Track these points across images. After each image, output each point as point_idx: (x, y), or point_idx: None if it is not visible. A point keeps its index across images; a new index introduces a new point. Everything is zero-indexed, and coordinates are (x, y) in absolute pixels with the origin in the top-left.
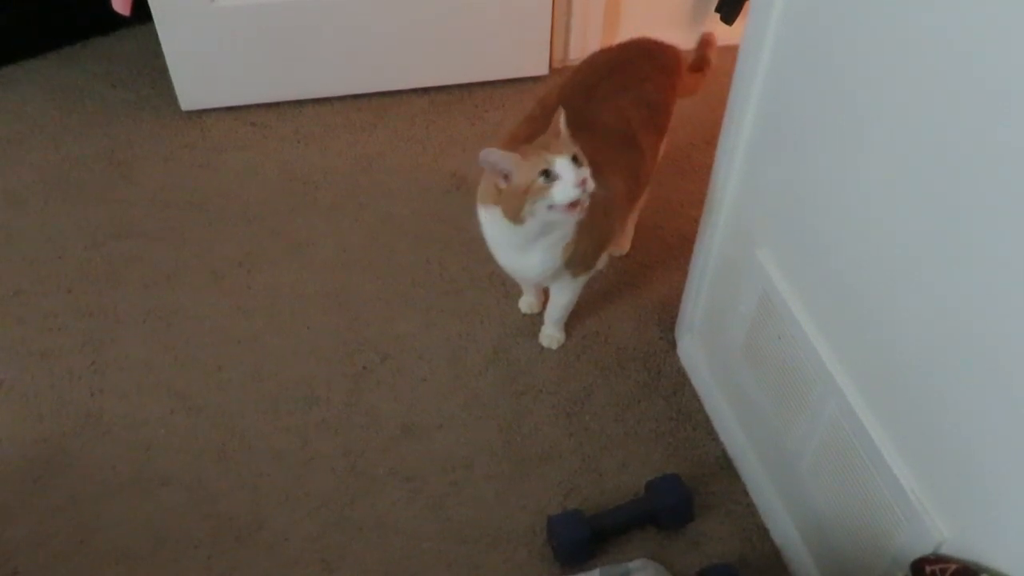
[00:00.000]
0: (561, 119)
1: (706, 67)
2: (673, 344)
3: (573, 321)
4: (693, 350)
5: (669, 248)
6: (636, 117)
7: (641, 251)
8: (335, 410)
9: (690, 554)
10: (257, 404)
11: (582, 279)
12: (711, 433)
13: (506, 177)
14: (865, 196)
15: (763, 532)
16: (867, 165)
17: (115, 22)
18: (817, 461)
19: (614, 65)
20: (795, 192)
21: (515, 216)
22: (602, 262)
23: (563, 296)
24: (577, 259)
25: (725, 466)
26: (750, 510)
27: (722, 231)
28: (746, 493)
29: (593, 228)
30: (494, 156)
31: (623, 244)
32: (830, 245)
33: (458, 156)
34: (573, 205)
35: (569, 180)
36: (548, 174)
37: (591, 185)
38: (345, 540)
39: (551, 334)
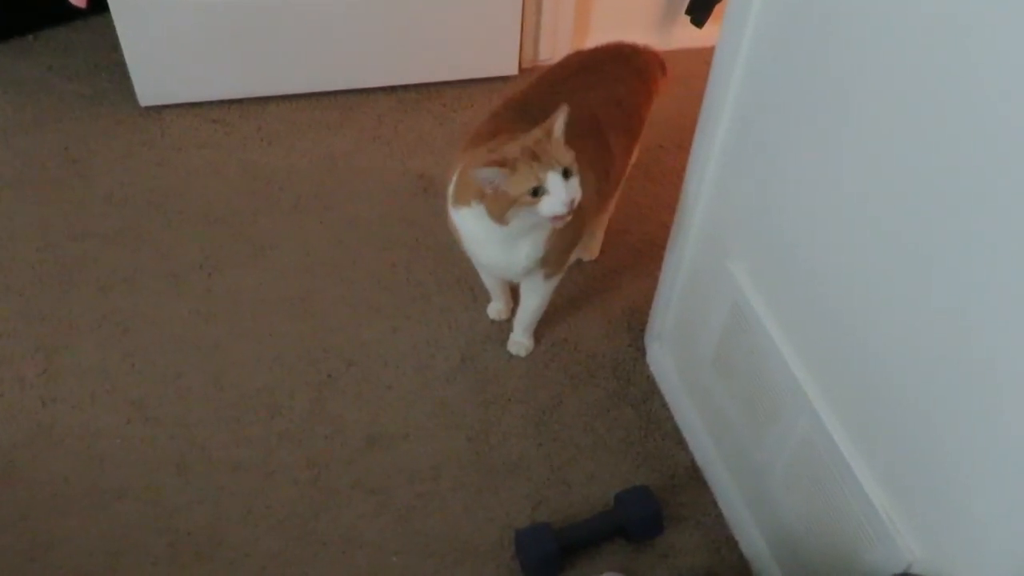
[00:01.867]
0: (559, 121)
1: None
2: (643, 351)
3: (542, 328)
4: (662, 358)
5: (638, 253)
6: (605, 116)
7: (610, 256)
8: (298, 420)
9: (659, 567)
10: (217, 414)
11: (554, 280)
12: (680, 443)
13: (494, 187)
14: (841, 209)
15: (732, 544)
16: (843, 177)
17: (70, 13)
18: (787, 475)
19: (586, 65)
20: (769, 203)
21: (499, 218)
22: (572, 259)
23: (534, 299)
24: (552, 257)
25: (694, 476)
26: (719, 521)
27: (693, 241)
28: (715, 504)
29: (568, 224)
30: (485, 174)
31: (593, 249)
32: (804, 258)
33: (426, 157)
34: (558, 216)
35: (558, 197)
36: (538, 191)
37: (579, 198)
38: (309, 555)
39: (520, 341)
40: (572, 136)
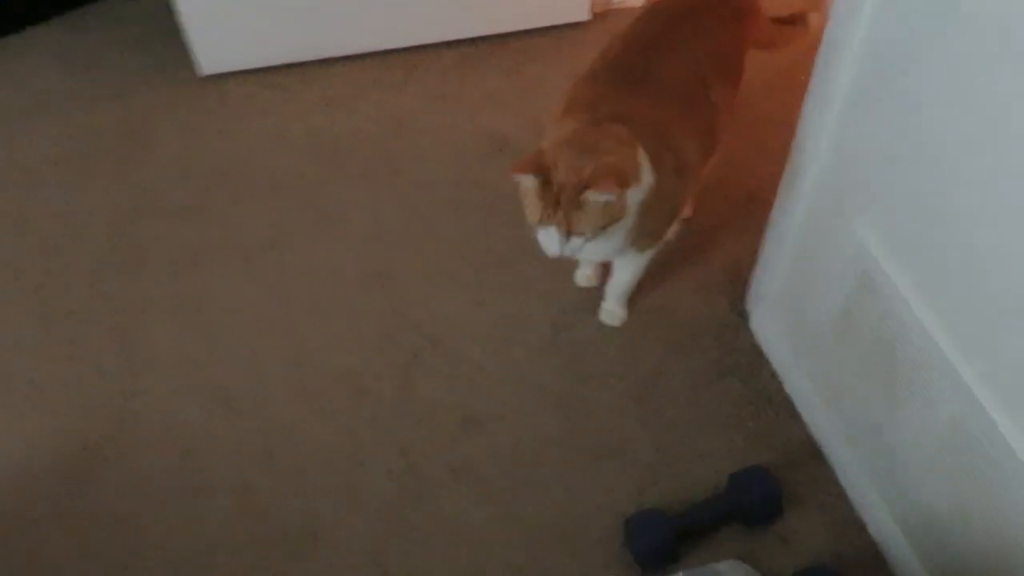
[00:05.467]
0: (596, 196)
1: (799, 23)
2: (745, 317)
3: (635, 294)
4: (769, 324)
5: (735, 207)
6: (708, 69)
7: (703, 212)
8: (386, 403)
9: (781, 552)
10: (301, 400)
11: (649, 253)
12: (794, 416)
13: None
14: (997, 156)
15: (859, 526)
16: (999, 117)
17: None
18: (931, 458)
19: (681, 12)
20: (907, 152)
21: None
22: (672, 232)
23: (627, 272)
24: (644, 234)
25: (812, 453)
26: (843, 502)
27: (807, 196)
28: (837, 484)
29: (660, 200)
30: (520, 177)
31: (687, 207)
32: (949, 214)
33: (496, 114)
34: None
35: (548, 247)
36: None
37: (578, 254)
38: (408, 548)
39: (613, 310)
40: (676, 100)
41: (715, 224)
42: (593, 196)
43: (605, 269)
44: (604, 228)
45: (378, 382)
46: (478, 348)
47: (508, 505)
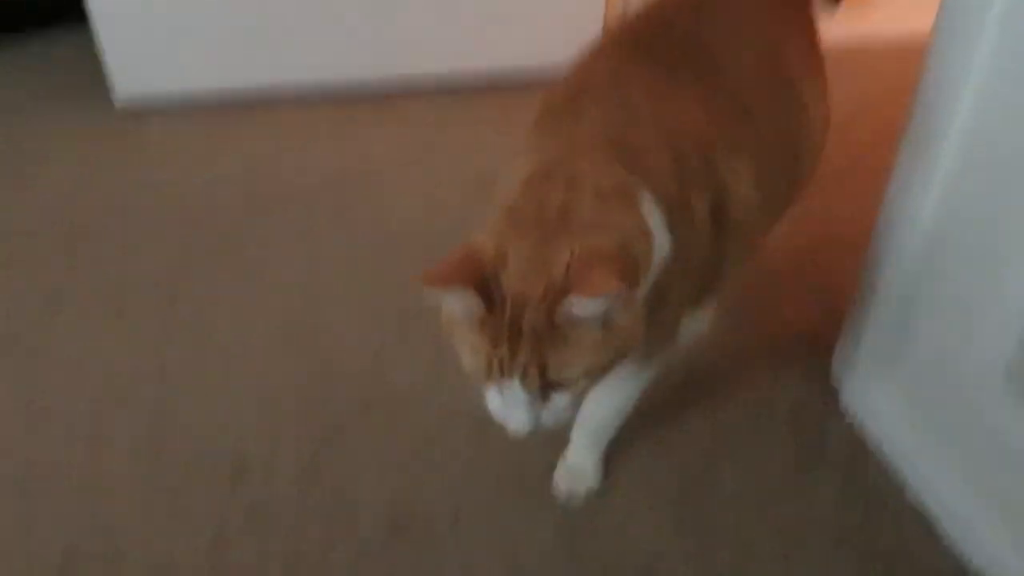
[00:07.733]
0: (588, 306)
1: None
2: (833, 392)
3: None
4: (875, 396)
5: (799, 251)
6: (792, 45)
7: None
8: (278, 490)
9: None
10: (145, 489)
11: (658, 363)
12: (932, 536)
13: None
14: None
15: None
16: None
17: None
18: None
19: None
20: None
21: None
22: (701, 323)
23: (614, 399)
24: (652, 330)
25: None
26: None
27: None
28: None
29: (687, 269)
30: (449, 297)
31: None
32: None
33: (483, 157)
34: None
35: (506, 414)
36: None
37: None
38: None
39: (579, 465)
40: (740, 89)
41: (773, 268)
42: (580, 306)
43: None
44: (606, 367)
45: (270, 463)
46: (425, 418)
47: None
